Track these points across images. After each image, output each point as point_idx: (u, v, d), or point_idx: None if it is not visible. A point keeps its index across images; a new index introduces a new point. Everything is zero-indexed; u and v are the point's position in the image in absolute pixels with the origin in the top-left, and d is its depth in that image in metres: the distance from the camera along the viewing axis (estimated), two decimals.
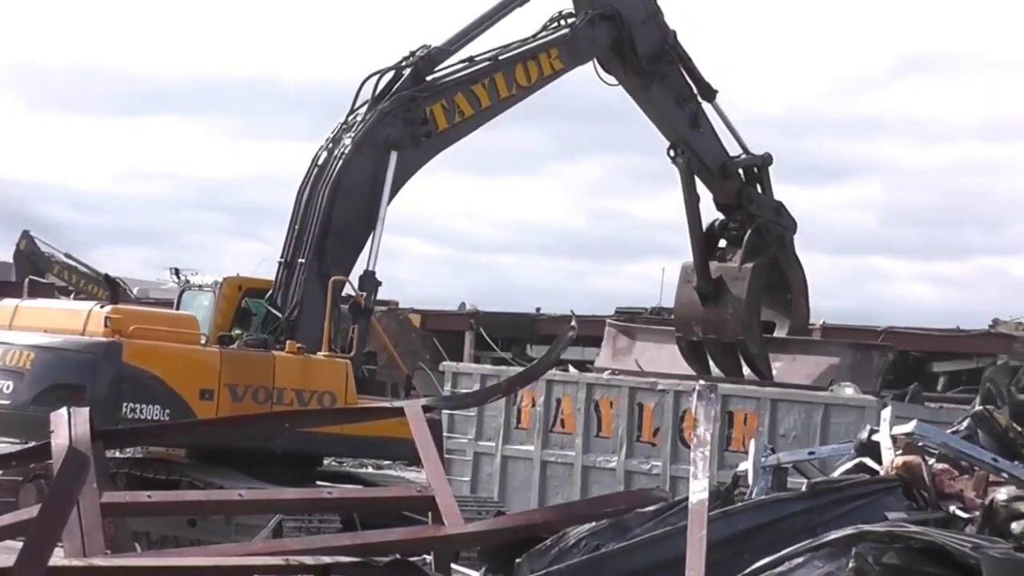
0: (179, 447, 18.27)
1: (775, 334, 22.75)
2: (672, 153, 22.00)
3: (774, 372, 21.96)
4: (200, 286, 20.44)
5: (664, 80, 21.70)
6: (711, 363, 22.55)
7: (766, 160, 22.64)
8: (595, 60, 21.43)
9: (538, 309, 40.68)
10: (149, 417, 17.44)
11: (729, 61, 78.37)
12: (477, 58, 20.59)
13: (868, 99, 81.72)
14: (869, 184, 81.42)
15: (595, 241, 79.59)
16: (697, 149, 21.98)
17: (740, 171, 22.47)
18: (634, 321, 37.23)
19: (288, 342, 18.76)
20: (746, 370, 22.20)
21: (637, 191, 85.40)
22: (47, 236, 42.12)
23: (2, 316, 19.27)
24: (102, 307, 18.49)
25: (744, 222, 22.30)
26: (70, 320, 18.43)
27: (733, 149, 22.59)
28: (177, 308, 20.39)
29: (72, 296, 36.45)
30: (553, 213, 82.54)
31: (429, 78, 20.21)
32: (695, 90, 22.08)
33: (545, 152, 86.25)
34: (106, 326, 17.85)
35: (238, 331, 19.58)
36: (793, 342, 22.49)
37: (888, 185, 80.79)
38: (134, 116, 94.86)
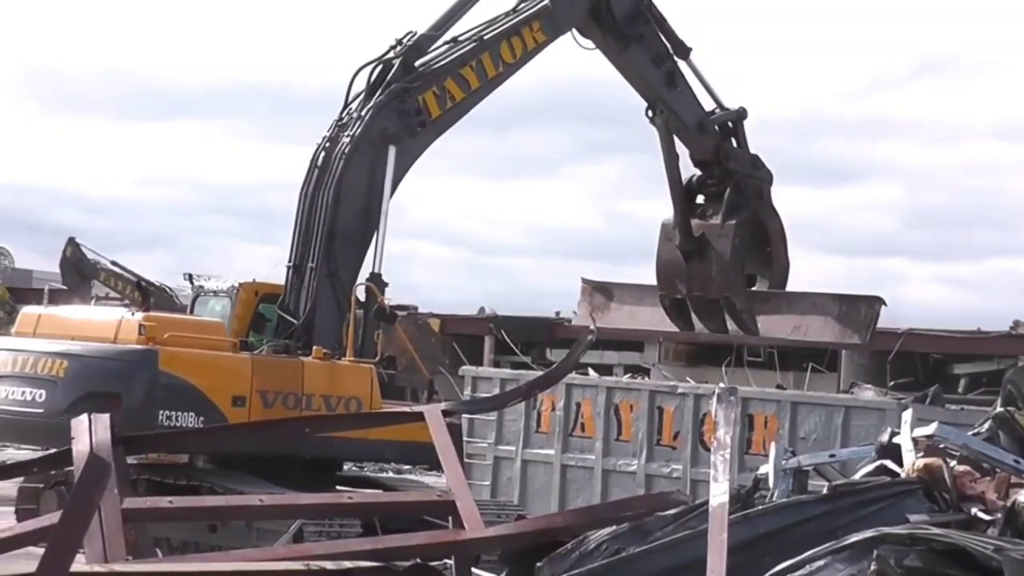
0: (203, 453, 18.29)
1: (756, 286, 22.73)
2: (650, 113, 22.08)
3: (760, 327, 21.93)
4: (215, 291, 20.46)
5: (641, 41, 21.76)
6: (695, 319, 22.54)
7: (741, 114, 22.76)
8: (573, 28, 21.45)
9: (557, 313, 40.66)
10: (184, 424, 17.47)
11: (745, 64, 78.24)
12: (460, 39, 20.59)
13: (883, 101, 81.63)
14: (885, 186, 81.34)
15: (612, 243, 79.53)
16: (675, 107, 22.08)
17: (716, 127, 22.54)
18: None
19: (314, 348, 18.77)
20: (731, 325, 22.19)
21: (655, 192, 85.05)
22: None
23: (25, 324, 19.26)
24: (133, 314, 18.48)
25: (722, 177, 22.41)
26: (99, 328, 18.41)
27: (708, 106, 22.64)
28: (191, 313, 20.42)
29: (93, 301, 36.36)
30: (570, 216, 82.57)
31: (417, 64, 20.17)
32: (670, 49, 22.12)
33: (562, 155, 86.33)
34: (140, 334, 17.84)
35: (255, 337, 19.60)
36: (778, 295, 22.43)
37: (904, 187, 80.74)
38: (149, 121, 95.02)
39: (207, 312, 20.13)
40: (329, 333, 19.18)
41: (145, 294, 20.59)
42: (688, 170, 22.67)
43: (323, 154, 19.71)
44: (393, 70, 19.98)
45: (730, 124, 22.71)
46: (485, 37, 20.62)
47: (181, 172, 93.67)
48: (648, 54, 21.88)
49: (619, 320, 22.92)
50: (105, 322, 18.54)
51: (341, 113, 20.00)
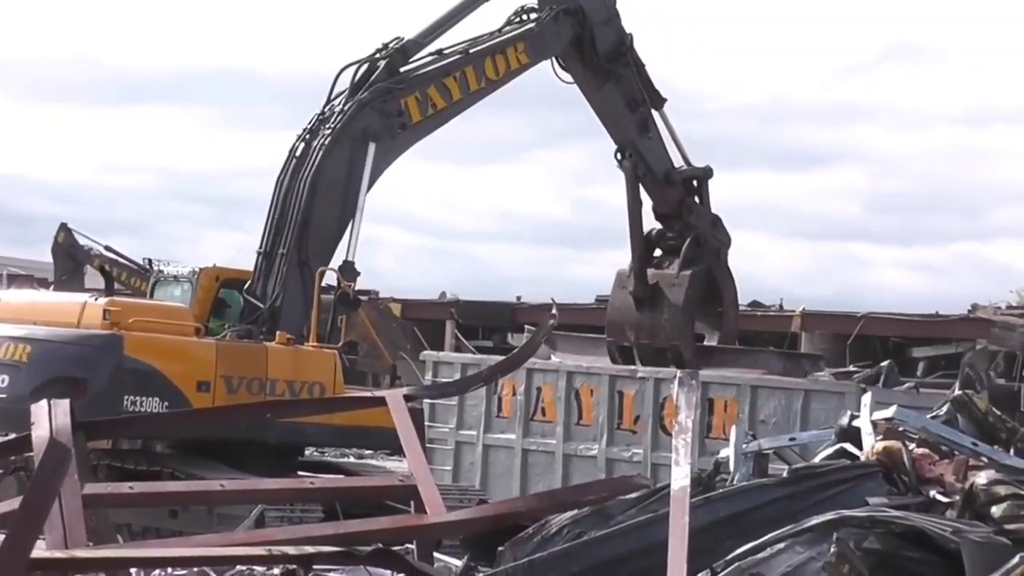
0: (165, 439, 18.24)
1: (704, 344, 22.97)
2: (619, 156, 22.35)
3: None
4: (175, 276, 20.40)
5: (619, 81, 22.06)
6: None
7: (707, 173, 22.99)
8: (554, 57, 21.75)
9: (518, 298, 40.67)
10: (149, 410, 17.40)
11: (714, 49, 78.47)
12: (446, 51, 20.85)
13: (850, 86, 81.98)
14: (850, 171, 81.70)
15: (577, 229, 79.66)
16: (644, 154, 22.34)
17: (682, 181, 22.80)
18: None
19: (278, 333, 18.77)
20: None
21: (620, 179, 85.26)
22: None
23: None
24: (96, 299, 18.37)
25: (682, 232, 22.65)
26: (62, 313, 18.30)
27: (676, 161, 22.90)
28: (150, 298, 20.34)
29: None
30: (535, 202, 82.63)
31: (402, 70, 20.40)
32: (646, 97, 22.40)
33: (527, 140, 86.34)
34: (105, 318, 17.75)
35: (215, 322, 19.54)
36: (723, 350, 22.73)
37: (869, 172, 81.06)
38: (113, 107, 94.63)
39: (167, 297, 20.07)
40: (295, 320, 19.20)
41: (108, 278, 20.40)
42: (649, 223, 22.86)
43: (302, 145, 19.83)
44: (378, 71, 20.15)
45: (694, 182, 22.91)
46: (471, 52, 20.87)
47: (145, 159, 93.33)
48: (624, 96, 22.14)
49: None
50: (68, 307, 18.44)
51: (323, 108, 20.14)
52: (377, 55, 20.29)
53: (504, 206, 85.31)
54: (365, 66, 20.20)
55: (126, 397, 17.37)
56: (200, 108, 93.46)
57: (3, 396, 17.65)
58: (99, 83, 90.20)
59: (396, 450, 20.52)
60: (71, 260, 38.19)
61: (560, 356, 23.06)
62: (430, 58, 20.71)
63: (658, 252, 22.97)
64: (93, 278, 37.04)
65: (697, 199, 22.89)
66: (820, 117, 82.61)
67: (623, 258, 23.41)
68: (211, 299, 19.87)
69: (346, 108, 19.84)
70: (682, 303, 22.19)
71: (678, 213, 22.66)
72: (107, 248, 38.43)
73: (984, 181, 73.91)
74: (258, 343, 18.63)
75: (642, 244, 22.58)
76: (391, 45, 20.34)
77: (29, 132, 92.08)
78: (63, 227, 38.47)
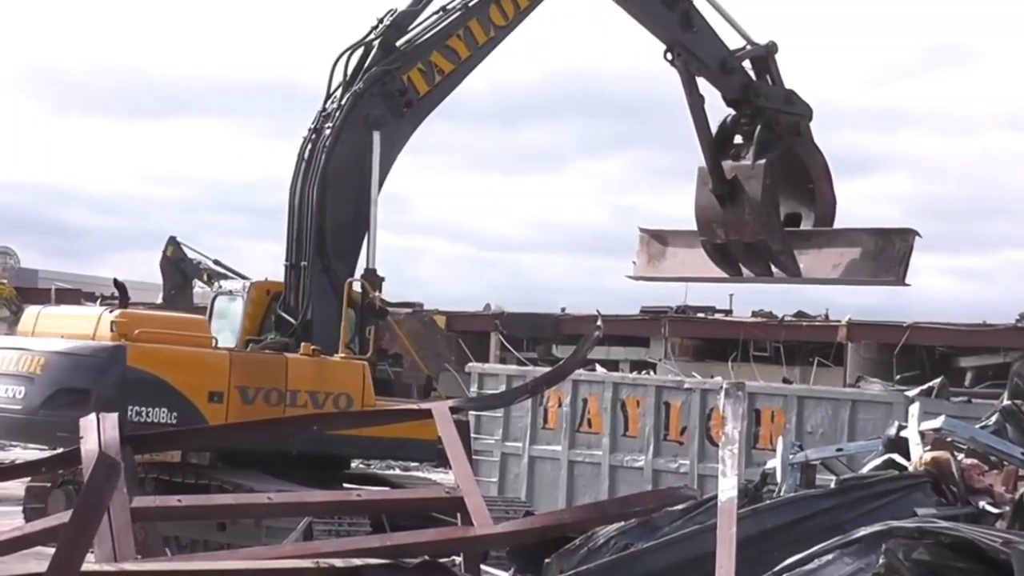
0: (197, 450, 18.28)
1: (802, 225, 22.15)
2: (669, 56, 21.29)
3: (800, 267, 21.62)
4: (231, 291, 20.42)
5: None
6: (740, 264, 22.21)
7: (771, 48, 21.89)
8: None
9: (563, 309, 40.67)
10: (156, 420, 17.44)
11: None
12: (448, 7, 19.85)
13: (895, 91, 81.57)
14: (896, 177, 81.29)
15: (619, 239, 79.42)
16: (693, 49, 21.22)
17: (744, 64, 21.76)
18: (659, 318, 37.28)
19: (303, 344, 18.66)
20: (774, 267, 21.85)
21: (662, 187, 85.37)
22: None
23: (26, 323, 19.43)
24: (111, 312, 18.55)
25: (754, 117, 21.65)
26: (83, 325, 18.51)
27: (736, 43, 21.86)
28: (210, 313, 20.32)
29: (99, 301, 35.99)
30: (577, 211, 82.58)
31: (400, 43, 19.58)
32: None
33: (569, 150, 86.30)
34: (112, 330, 17.88)
35: (273, 335, 19.45)
36: (815, 234, 21.93)
37: (915, 178, 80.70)
38: (156, 119, 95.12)
39: (225, 312, 20.06)
40: (330, 329, 18.99)
41: (123, 291, 20.48)
42: (722, 111, 21.93)
43: (309, 147, 19.35)
44: (373, 53, 19.44)
45: (763, 59, 21.86)
46: (470, 4, 19.84)
47: (188, 170, 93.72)
48: None
49: (672, 268, 22.55)
50: (88, 320, 18.62)
51: (325, 103, 19.53)
52: (371, 35, 19.48)
53: (546, 216, 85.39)
54: (360, 50, 19.47)
55: (131, 407, 17.37)
56: (240, 119, 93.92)
57: (19, 407, 17.83)
58: (139, 94, 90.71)
59: (439, 462, 20.57)
60: (180, 274, 37.66)
61: (672, 251, 22.67)
62: (432, 19, 19.71)
63: (738, 139, 21.91)
64: (201, 293, 36.96)
65: (768, 77, 21.76)
66: (863, 122, 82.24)
67: None
68: (262, 312, 19.80)
69: (343, 103, 19.22)
70: (760, 195, 21.35)
71: (745, 98, 21.62)
72: (215, 261, 37.99)
73: None
74: (277, 354, 18.59)
75: (710, 141, 21.59)
76: (384, 20, 19.49)
77: (70, 144, 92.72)
78: (171, 240, 37.81)
